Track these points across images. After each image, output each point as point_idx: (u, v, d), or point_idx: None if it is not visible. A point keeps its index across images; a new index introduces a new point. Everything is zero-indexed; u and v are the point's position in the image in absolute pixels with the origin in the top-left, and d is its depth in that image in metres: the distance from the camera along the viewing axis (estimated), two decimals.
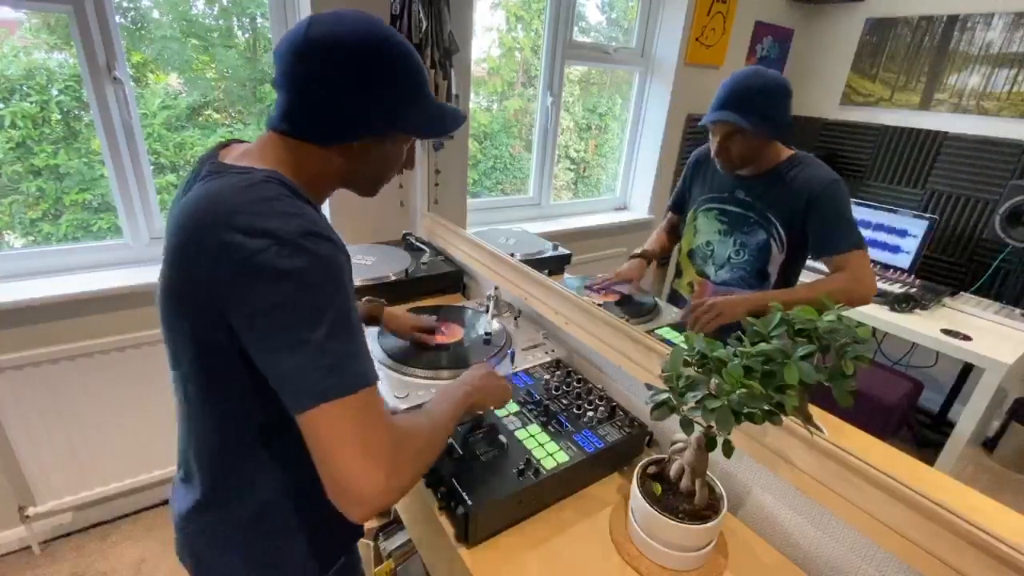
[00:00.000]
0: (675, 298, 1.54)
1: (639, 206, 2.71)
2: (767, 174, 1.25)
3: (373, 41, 0.61)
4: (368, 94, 0.62)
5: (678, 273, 1.52)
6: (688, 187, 1.46)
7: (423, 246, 1.73)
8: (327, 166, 0.66)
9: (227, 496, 0.66)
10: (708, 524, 0.73)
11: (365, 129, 0.64)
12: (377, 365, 1.07)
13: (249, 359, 0.55)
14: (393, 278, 1.47)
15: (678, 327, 1.35)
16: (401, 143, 0.71)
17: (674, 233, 1.58)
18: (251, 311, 0.52)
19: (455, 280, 1.62)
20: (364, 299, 1.17)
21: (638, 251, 1.55)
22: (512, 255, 1.49)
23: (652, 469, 0.82)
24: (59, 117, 1.49)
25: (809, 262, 1.28)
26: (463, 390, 0.78)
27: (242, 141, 0.69)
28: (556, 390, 1.03)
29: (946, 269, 2.44)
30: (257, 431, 0.63)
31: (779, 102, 1.17)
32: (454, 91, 1.67)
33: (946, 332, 1.80)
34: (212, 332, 0.56)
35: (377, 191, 0.75)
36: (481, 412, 0.92)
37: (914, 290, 2.05)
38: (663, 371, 0.71)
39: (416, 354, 1.14)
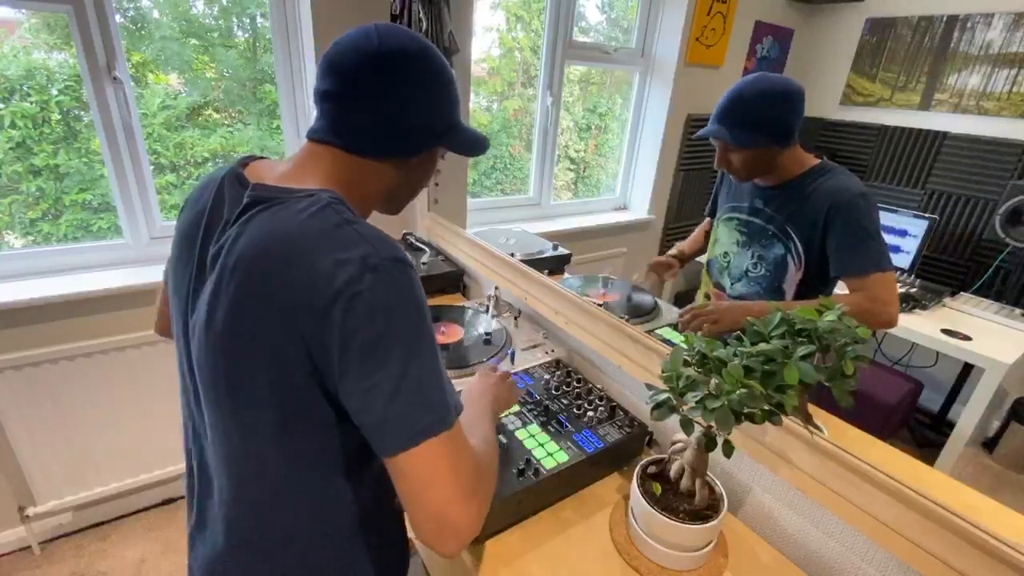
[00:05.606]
0: None
1: (639, 206, 2.71)
2: (788, 185, 1.18)
3: (435, 56, 0.63)
4: (432, 107, 0.63)
5: (699, 283, 1.50)
6: (719, 192, 1.43)
7: (423, 246, 1.73)
8: (380, 182, 0.65)
9: (276, 538, 0.62)
10: (708, 524, 0.73)
11: (427, 142, 0.65)
12: None
13: (330, 396, 0.53)
14: None
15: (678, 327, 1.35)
16: (437, 158, 0.71)
17: (706, 238, 1.56)
18: (343, 346, 0.50)
19: (455, 280, 1.62)
20: None
21: (673, 251, 1.53)
22: (512, 255, 1.49)
23: (652, 469, 0.82)
24: (59, 117, 1.48)
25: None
26: (487, 402, 0.76)
27: (263, 157, 0.67)
28: (556, 390, 1.03)
29: (946, 269, 2.44)
30: (325, 468, 0.60)
31: (780, 109, 1.10)
32: None
33: (946, 332, 1.80)
34: (290, 372, 0.53)
35: (402, 209, 0.74)
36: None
37: (914, 290, 2.05)
38: (663, 371, 0.71)
39: None
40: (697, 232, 1.60)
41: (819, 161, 1.19)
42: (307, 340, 0.51)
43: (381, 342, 0.50)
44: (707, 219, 1.55)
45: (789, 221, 1.18)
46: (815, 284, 1.19)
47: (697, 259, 1.58)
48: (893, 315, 1.06)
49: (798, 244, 1.17)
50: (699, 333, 1.15)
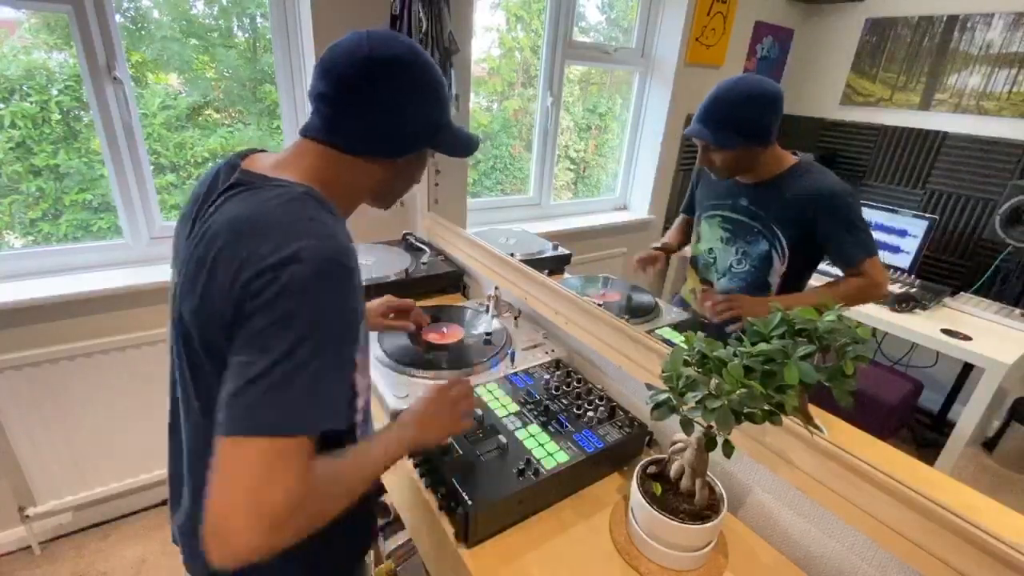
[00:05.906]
0: (685, 305, 1.53)
1: (639, 206, 2.71)
2: (770, 182, 1.23)
3: (425, 62, 0.65)
4: (421, 112, 0.66)
5: (684, 279, 1.53)
6: (695, 190, 1.46)
7: (423, 246, 1.73)
8: (367, 180, 0.67)
9: None
10: (708, 524, 0.73)
11: (414, 146, 0.68)
12: (376, 364, 1.08)
13: None
14: (393, 278, 1.47)
15: (679, 326, 1.35)
16: (426, 158, 0.74)
17: (685, 233, 1.58)
18: (244, 319, 0.51)
19: (455, 280, 1.62)
20: None
21: (657, 244, 1.56)
22: (512, 255, 1.49)
23: (652, 469, 0.82)
24: (59, 117, 1.48)
25: (819, 271, 1.28)
26: (407, 436, 0.69)
27: (263, 151, 0.69)
28: (556, 390, 1.03)
29: (946, 269, 2.44)
30: None
31: (759, 110, 1.15)
32: (454, 91, 1.66)
33: (946, 332, 1.80)
34: (220, 343, 0.54)
35: (393, 205, 0.77)
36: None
37: (914, 290, 2.05)
38: (663, 371, 0.71)
39: (416, 354, 1.14)
40: (675, 228, 1.62)
41: (797, 159, 1.24)
42: (228, 312, 0.53)
43: (271, 328, 0.50)
44: (683, 216, 1.57)
45: (774, 218, 1.23)
46: (797, 275, 1.26)
47: (682, 252, 1.60)
48: (886, 288, 1.21)
49: (783, 240, 1.22)
50: (716, 314, 1.21)
